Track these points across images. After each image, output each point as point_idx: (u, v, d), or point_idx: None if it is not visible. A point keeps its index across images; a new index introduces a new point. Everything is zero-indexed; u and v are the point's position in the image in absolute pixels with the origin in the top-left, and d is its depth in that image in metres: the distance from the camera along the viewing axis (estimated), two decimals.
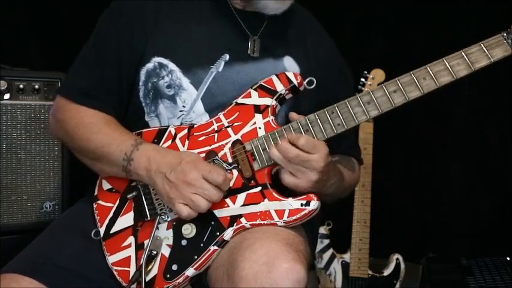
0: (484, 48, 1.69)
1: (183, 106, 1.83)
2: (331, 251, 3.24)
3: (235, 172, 1.73)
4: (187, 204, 1.63)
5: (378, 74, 3.02)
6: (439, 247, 3.44)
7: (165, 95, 1.84)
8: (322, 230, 3.21)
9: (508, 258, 3.12)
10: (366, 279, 3.18)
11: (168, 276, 1.68)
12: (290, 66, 1.91)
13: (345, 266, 3.20)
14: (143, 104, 1.86)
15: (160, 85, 1.83)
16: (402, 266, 3.20)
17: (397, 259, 3.22)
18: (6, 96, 2.52)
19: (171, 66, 1.83)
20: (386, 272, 3.21)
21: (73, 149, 1.93)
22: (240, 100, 1.82)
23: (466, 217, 3.55)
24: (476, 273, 3.05)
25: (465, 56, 1.69)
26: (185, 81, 1.82)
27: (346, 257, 3.21)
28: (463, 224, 3.55)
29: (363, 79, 3.02)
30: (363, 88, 2.99)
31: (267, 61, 1.88)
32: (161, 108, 1.85)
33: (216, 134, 1.79)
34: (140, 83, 1.85)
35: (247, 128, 1.77)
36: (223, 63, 1.84)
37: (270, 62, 1.88)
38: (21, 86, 2.54)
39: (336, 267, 3.21)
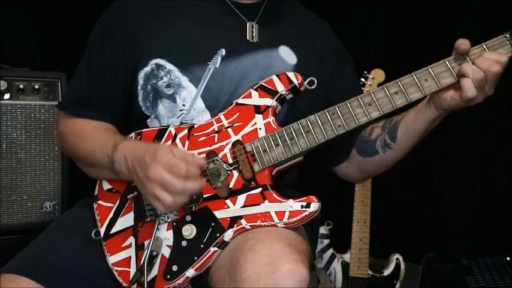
0: (487, 50, 1.67)
1: (183, 104, 1.83)
2: (331, 251, 3.25)
3: (235, 173, 1.73)
4: (158, 199, 1.58)
5: (378, 74, 3.02)
6: (439, 247, 3.43)
7: (164, 94, 1.84)
8: (322, 230, 3.22)
9: (508, 258, 3.12)
10: (366, 279, 3.18)
11: (168, 277, 1.68)
12: (286, 55, 1.91)
13: (345, 266, 3.20)
14: (143, 108, 1.86)
15: (160, 85, 1.83)
16: (402, 266, 3.20)
17: (397, 259, 3.22)
18: (6, 96, 2.53)
19: (169, 66, 1.83)
20: (387, 272, 3.21)
21: (73, 159, 1.97)
22: (240, 100, 1.82)
23: (466, 217, 3.55)
24: (476, 273, 3.05)
25: (467, 57, 1.67)
26: (184, 80, 1.82)
27: (346, 257, 3.22)
28: (463, 224, 3.55)
29: (363, 79, 3.02)
30: (363, 88, 2.98)
31: (263, 52, 1.88)
32: (160, 109, 1.84)
33: (217, 135, 1.79)
34: (139, 87, 1.85)
35: (247, 129, 1.77)
36: (219, 58, 1.84)
37: (266, 54, 1.88)
38: (21, 86, 2.55)
39: (336, 267, 3.21)
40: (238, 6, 1.92)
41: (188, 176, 1.54)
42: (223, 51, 1.84)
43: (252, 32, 1.89)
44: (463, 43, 1.67)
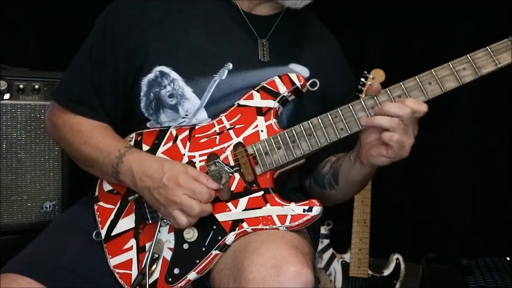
0: (491, 53, 1.64)
1: (186, 115, 1.81)
2: (331, 251, 3.25)
3: (237, 176, 1.72)
4: (174, 219, 1.66)
5: (378, 74, 3.01)
6: (439, 247, 3.44)
7: (167, 104, 1.81)
8: (322, 230, 3.22)
9: (508, 258, 3.13)
10: (366, 279, 3.18)
11: (170, 279, 1.68)
12: (297, 69, 1.87)
13: (345, 266, 3.21)
14: (146, 114, 1.84)
15: (163, 95, 1.79)
16: (402, 266, 3.21)
17: (397, 259, 3.23)
18: (6, 96, 2.51)
19: (173, 74, 1.79)
20: (386, 272, 3.22)
21: (68, 155, 1.97)
22: (242, 102, 1.80)
23: (466, 217, 3.55)
24: (476, 273, 3.06)
25: (471, 61, 1.65)
26: (188, 91, 1.79)
27: (346, 257, 3.22)
28: (463, 224, 3.55)
29: (363, 79, 3.01)
30: (363, 88, 2.98)
31: (272, 68, 1.84)
32: (162, 117, 1.82)
33: (218, 136, 1.77)
34: (141, 94, 1.82)
35: (249, 131, 1.76)
36: (226, 71, 1.80)
37: (275, 69, 1.84)
38: (21, 86, 2.53)
39: (336, 267, 3.22)
40: (252, 18, 1.88)
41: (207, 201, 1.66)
42: (230, 66, 1.80)
43: (263, 50, 1.86)
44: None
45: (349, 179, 1.85)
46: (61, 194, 2.64)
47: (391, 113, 1.62)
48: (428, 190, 3.59)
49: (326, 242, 3.24)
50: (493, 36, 1.70)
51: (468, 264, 3.12)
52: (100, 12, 1.90)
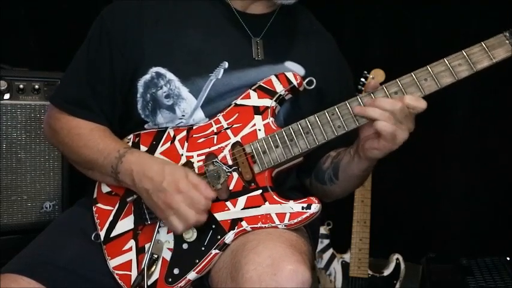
0: (486, 48, 1.65)
1: (183, 115, 1.81)
2: (331, 251, 3.25)
3: (235, 175, 1.73)
4: (170, 224, 1.67)
5: (378, 74, 3.00)
6: (439, 247, 3.44)
7: (164, 105, 1.81)
8: (322, 230, 3.22)
9: (508, 258, 3.13)
10: (366, 279, 3.18)
11: (170, 280, 1.68)
12: (293, 67, 1.88)
13: (345, 266, 3.21)
14: (142, 116, 1.84)
15: (159, 95, 1.80)
16: (402, 266, 3.21)
17: (397, 259, 3.23)
18: (6, 96, 2.52)
19: (169, 75, 1.79)
20: (386, 272, 3.22)
21: (67, 158, 1.97)
22: (239, 101, 1.80)
23: (466, 217, 3.55)
24: (476, 273, 3.05)
25: (466, 56, 1.65)
26: (184, 91, 1.79)
27: (346, 257, 3.22)
28: (463, 224, 3.55)
29: (363, 79, 3.00)
30: (362, 88, 2.97)
31: (268, 66, 1.85)
32: (159, 118, 1.82)
33: (216, 136, 1.78)
34: (138, 95, 1.82)
35: (246, 130, 1.76)
36: (222, 70, 1.81)
37: (271, 67, 1.85)
38: (21, 86, 2.54)
39: (336, 267, 3.22)
40: (245, 17, 1.89)
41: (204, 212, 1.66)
42: (226, 64, 1.81)
43: (257, 49, 1.86)
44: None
45: (348, 174, 1.85)
46: (61, 194, 2.64)
47: (382, 107, 1.64)
48: (428, 190, 3.59)
49: (326, 242, 3.24)
50: (493, 35, 1.70)
51: (468, 264, 3.12)
52: (100, 12, 1.91)
